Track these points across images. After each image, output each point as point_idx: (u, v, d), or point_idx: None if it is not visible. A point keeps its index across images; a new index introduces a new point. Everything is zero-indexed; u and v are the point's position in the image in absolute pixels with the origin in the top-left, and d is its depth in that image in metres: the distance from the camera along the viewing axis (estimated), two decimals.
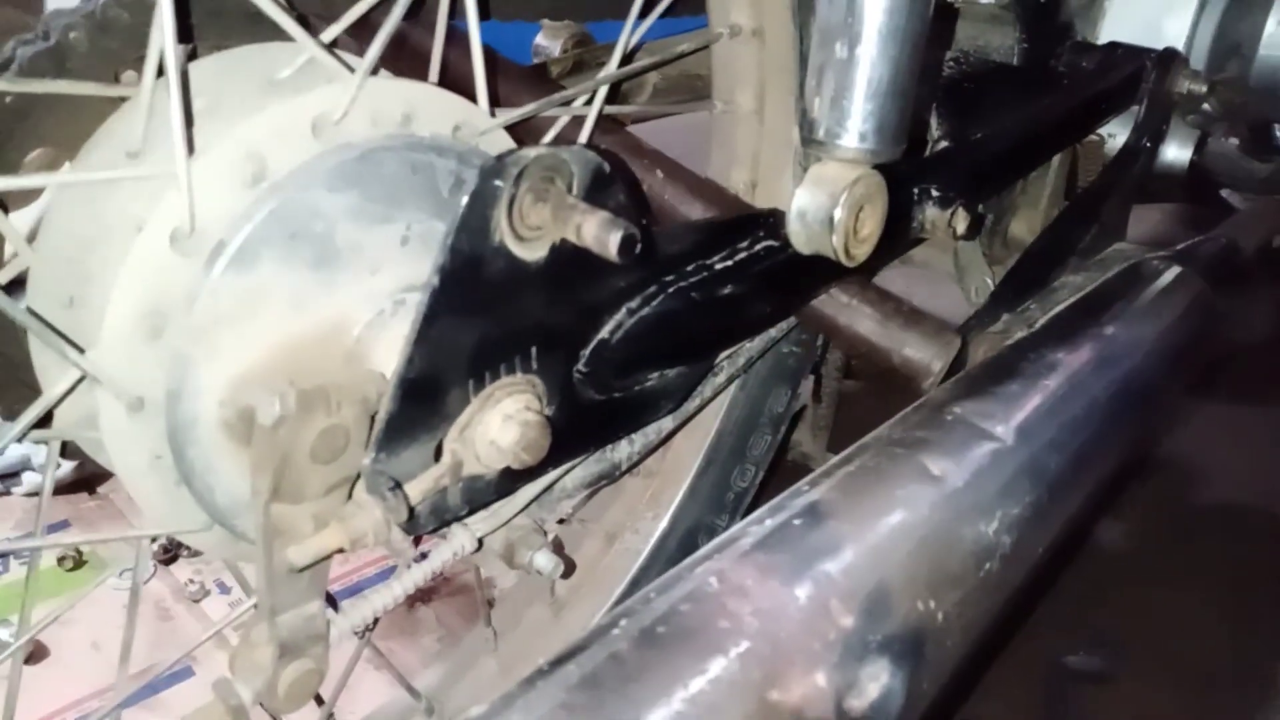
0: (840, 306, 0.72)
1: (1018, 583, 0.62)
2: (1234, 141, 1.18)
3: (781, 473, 1.06)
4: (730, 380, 0.84)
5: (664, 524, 0.99)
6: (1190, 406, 1.50)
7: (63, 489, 1.33)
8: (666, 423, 0.79)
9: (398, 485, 0.50)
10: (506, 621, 0.97)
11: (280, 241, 0.53)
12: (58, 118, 0.63)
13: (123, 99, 0.60)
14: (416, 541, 0.57)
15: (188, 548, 1.39)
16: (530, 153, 0.48)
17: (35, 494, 1.32)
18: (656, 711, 0.42)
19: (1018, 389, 0.72)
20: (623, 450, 0.78)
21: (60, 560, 1.24)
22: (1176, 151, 1.16)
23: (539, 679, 0.44)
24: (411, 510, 0.50)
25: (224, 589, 1.25)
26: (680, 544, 1.00)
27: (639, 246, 0.48)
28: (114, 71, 0.64)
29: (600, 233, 0.48)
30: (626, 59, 0.72)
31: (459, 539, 0.66)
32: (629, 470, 0.80)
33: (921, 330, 0.69)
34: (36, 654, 1.10)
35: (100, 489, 1.37)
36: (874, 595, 0.51)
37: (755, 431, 1.00)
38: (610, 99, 0.74)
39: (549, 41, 1.01)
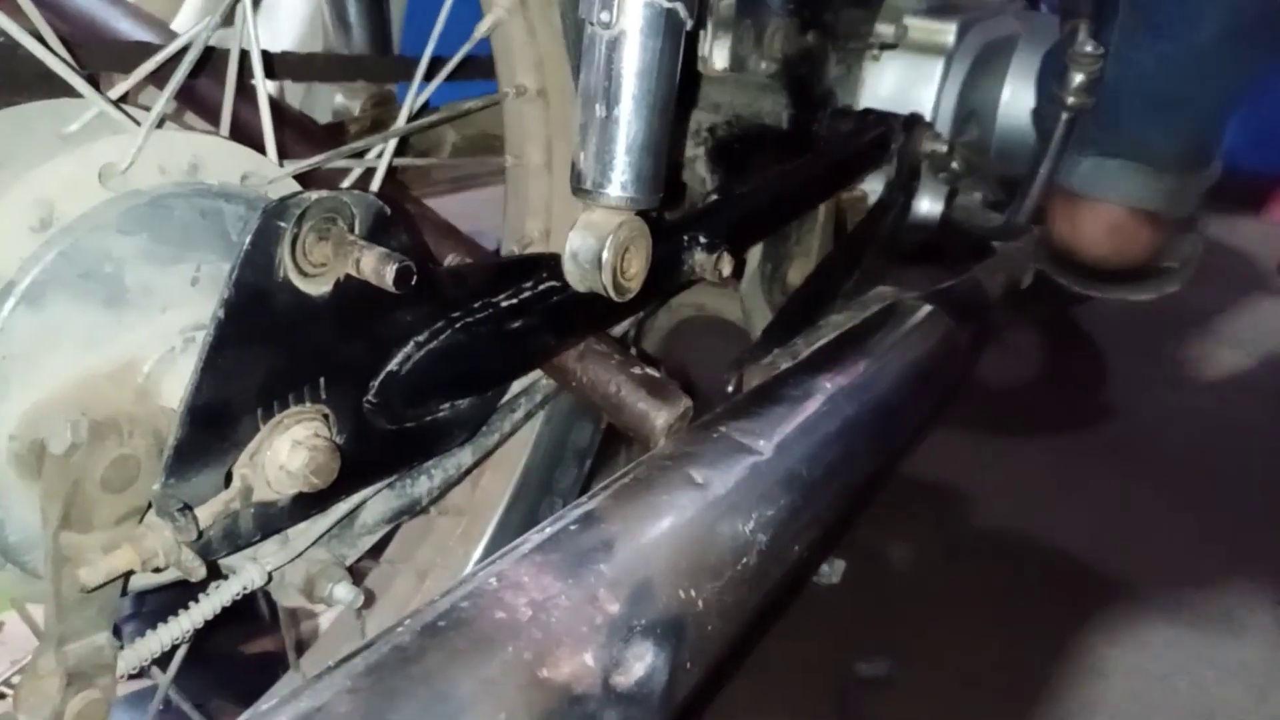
0: (588, 363, 0.80)
1: (775, 574, 0.69)
2: (977, 195, 1.34)
3: None
4: (529, 416, 0.90)
5: (474, 559, 1.03)
6: (948, 429, 1.67)
7: None
8: (465, 457, 0.84)
9: (187, 507, 0.52)
10: (319, 664, 0.97)
11: (70, 282, 0.55)
12: None
13: None
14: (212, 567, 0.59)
15: None
16: (312, 195, 0.53)
17: None
18: (435, 686, 0.46)
19: (780, 411, 0.81)
20: (423, 485, 0.82)
21: None
22: (930, 205, 1.31)
23: (326, 674, 0.48)
24: (201, 532, 0.53)
25: None
26: None
27: (415, 278, 0.54)
28: None
29: (378, 266, 0.53)
30: (415, 117, 0.78)
31: (249, 572, 0.68)
32: (430, 505, 0.84)
33: (654, 388, 0.77)
34: None
35: None
36: (639, 586, 0.57)
37: (561, 465, 1.05)
38: (404, 154, 0.79)
39: (349, 101, 1.06)
